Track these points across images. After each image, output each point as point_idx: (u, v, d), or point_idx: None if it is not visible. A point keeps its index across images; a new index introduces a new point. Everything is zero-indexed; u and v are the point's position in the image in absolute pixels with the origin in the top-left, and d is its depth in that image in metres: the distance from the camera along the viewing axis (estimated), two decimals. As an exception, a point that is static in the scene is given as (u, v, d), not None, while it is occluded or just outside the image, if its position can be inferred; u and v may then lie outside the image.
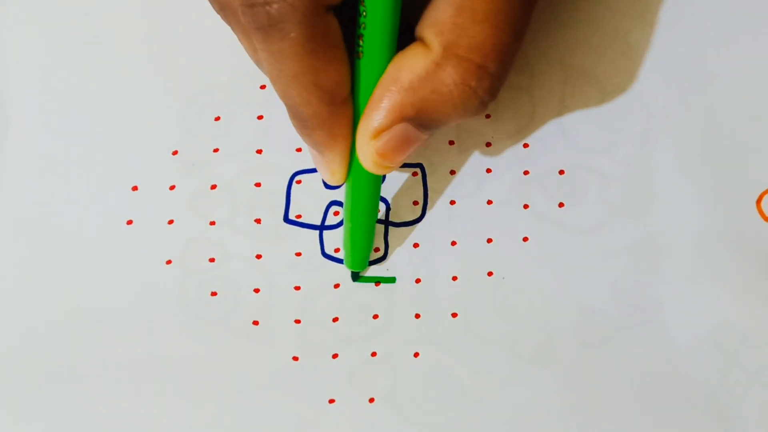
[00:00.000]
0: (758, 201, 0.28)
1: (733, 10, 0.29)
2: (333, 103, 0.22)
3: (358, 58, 0.22)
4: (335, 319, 0.27)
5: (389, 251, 0.28)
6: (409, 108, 0.22)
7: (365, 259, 0.27)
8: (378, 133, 0.22)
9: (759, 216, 0.28)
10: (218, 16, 0.29)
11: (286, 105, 0.23)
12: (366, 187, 0.25)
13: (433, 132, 0.23)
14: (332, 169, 0.24)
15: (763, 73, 0.29)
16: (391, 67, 0.22)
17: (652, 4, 0.30)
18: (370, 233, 0.26)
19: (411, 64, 0.22)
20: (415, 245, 0.28)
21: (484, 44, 0.21)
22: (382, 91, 0.22)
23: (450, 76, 0.21)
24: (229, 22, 0.24)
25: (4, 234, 0.28)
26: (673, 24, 0.29)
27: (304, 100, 0.22)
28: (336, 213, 0.28)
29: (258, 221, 0.28)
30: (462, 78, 0.21)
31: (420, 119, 0.22)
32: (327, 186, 0.28)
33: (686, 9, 0.30)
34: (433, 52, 0.21)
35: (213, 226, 0.28)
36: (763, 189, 0.28)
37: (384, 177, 0.26)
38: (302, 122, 0.23)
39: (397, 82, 0.22)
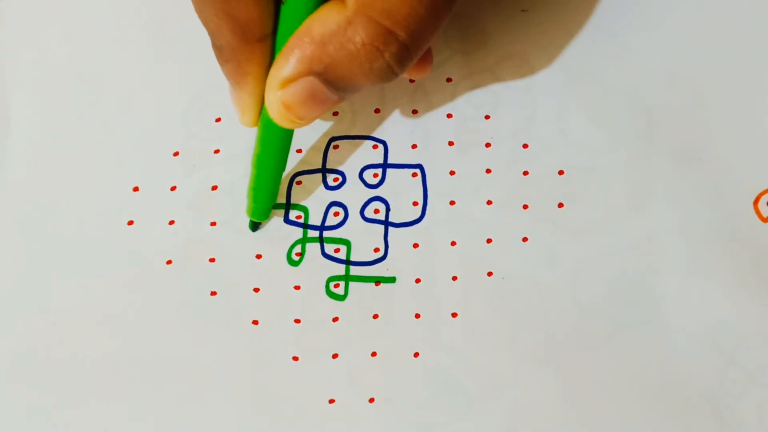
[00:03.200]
0: (755, 202, 0.28)
1: (732, 10, 0.30)
2: (246, 39, 0.22)
3: (282, 3, 0.22)
4: (335, 319, 0.27)
5: (389, 251, 0.28)
6: (317, 62, 0.22)
7: (267, 210, 0.27)
8: (285, 83, 0.22)
9: (756, 216, 0.28)
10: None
11: (206, 30, 0.23)
12: (274, 137, 0.25)
13: (344, 95, 0.23)
14: (242, 107, 0.24)
15: (762, 74, 0.29)
16: (308, 19, 0.22)
17: (652, 4, 0.30)
18: (274, 184, 0.26)
19: (325, 18, 0.22)
20: (415, 245, 0.28)
21: (398, 11, 0.21)
22: (294, 42, 0.22)
23: (358, 35, 0.21)
24: None
25: (5, 233, 0.28)
26: (673, 24, 0.30)
27: (217, 27, 0.23)
28: (336, 213, 0.28)
29: (258, 221, 0.28)
30: (370, 39, 0.21)
31: (328, 76, 0.22)
32: (327, 187, 0.28)
33: (686, 9, 0.30)
34: (347, 9, 0.21)
35: (214, 226, 0.28)
36: (760, 190, 0.28)
37: (293, 131, 0.26)
38: (218, 50, 0.24)
39: (309, 34, 0.22)
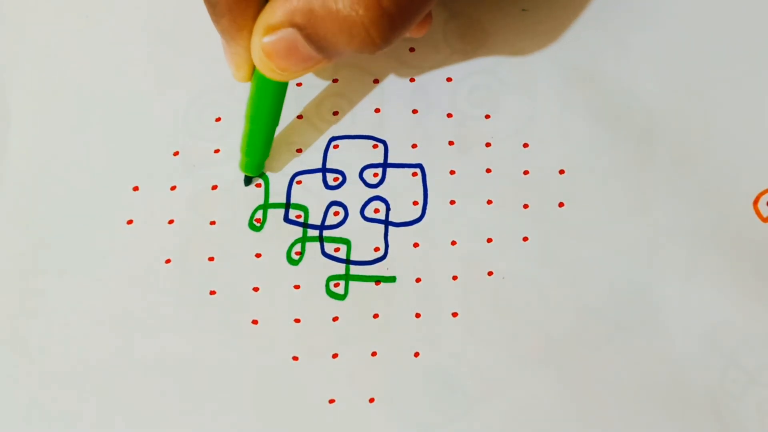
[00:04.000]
0: (755, 202, 0.28)
1: (732, 10, 0.30)
2: None
3: None
4: (335, 319, 0.27)
5: (389, 251, 0.28)
6: (299, 15, 0.22)
7: (260, 165, 0.27)
8: (267, 31, 0.22)
9: (756, 217, 0.28)
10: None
11: None
12: (267, 91, 0.25)
13: (328, 56, 0.23)
14: (236, 62, 0.24)
15: (761, 74, 0.29)
16: None
17: (653, 4, 0.30)
18: (267, 139, 0.27)
19: None
20: (416, 245, 0.28)
21: None
22: None
23: None
24: None
25: (4, 232, 0.28)
26: (673, 24, 0.30)
27: None
28: (336, 213, 0.28)
29: (258, 221, 0.28)
30: (350, 1, 0.21)
31: (308, 31, 0.22)
32: (327, 187, 0.28)
33: (686, 9, 0.30)
34: None
35: (213, 225, 0.28)
36: (760, 190, 0.28)
37: (285, 87, 0.26)
38: (212, 6, 0.23)
39: None
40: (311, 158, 0.29)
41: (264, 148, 0.27)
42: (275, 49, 0.23)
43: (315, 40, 0.22)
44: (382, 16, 0.21)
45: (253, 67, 0.24)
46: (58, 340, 0.27)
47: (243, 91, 0.29)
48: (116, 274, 0.27)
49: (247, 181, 0.28)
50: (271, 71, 0.23)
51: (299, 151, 0.29)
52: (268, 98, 0.25)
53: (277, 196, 0.28)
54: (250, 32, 0.23)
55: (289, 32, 0.22)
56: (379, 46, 0.22)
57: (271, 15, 0.22)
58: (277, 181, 0.28)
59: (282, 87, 0.25)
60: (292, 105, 0.29)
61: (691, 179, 0.28)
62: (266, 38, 0.23)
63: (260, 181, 0.28)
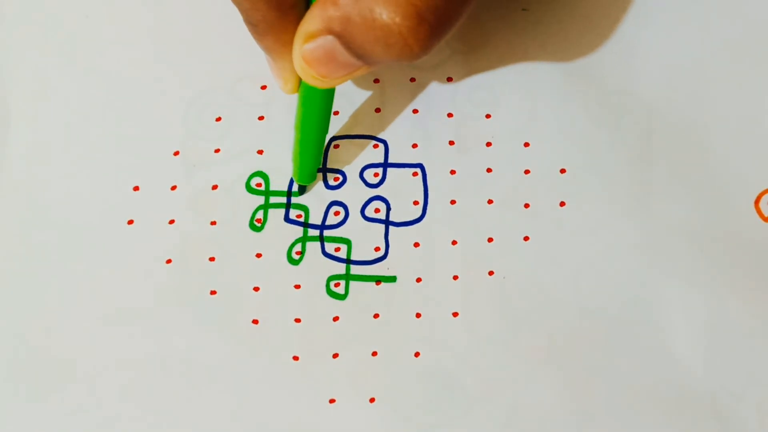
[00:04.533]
0: (756, 201, 0.28)
1: (732, 10, 0.30)
2: (281, 9, 0.23)
3: None
4: (335, 319, 0.27)
5: (390, 250, 0.28)
6: (336, 23, 0.22)
7: (313, 173, 0.28)
8: (307, 38, 0.22)
9: (757, 216, 0.28)
10: (219, 17, 0.30)
11: (239, 10, 0.24)
12: (314, 100, 0.25)
13: (368, 63, 0.23)
14: (284, 76, 0.25)
15: (762, 73, 0.29)
16: None
17: (653, 4, 0.30)
18: (318, 147, 0.27)
19: None
20: (416, 245, 0.28)
21: None
22: (319, 2, 0.22)
23: (378, 5, 0.21)
24: None
25: (5, 232, 0.28)
26: (673, 23, 0.30)
27: (252, 4, 0.23)
28: (337, 213, 0.28)
29: (258, 221, 0.28)
30: (387, 10, 0.21)
31: (346, 39, 0.22)
32: (328, 186, 0.28)
33: (686, 8, 0.30)
34: None
35: (214, 225, 0.28)
36: (761, 189, 0.28)
37: (332, 94, 0.26)
38: (254, 27, 0.24)
39: None
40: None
41: (316, 156, 0.27)
42: (314, 56, 0.23)
43: (353, 47, 0.22)
44: (420, 24, 0.21)
45: (299, 78, 0.24)
46: (58, 339, 0.27)
47: (243, 92, 0.29)
48: (116, 274, 0.27)
49: (302, 190, 0.28)
50: (312, 78, 0.23)
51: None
52: (315, 106, 0.25)
53: (278, 196, 0.28)
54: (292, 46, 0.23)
55: (327, 39, 0.22)
56: (418, 55, 0.22)
57: (310, 23, 0.22)
58: (278, 181, 0.28)
59: (328, 94, 0.25)
60: (292, 105, 0.29)
61: (692, 179, 0.28)
62: (306, 46, 0.23)
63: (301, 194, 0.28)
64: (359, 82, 0.29)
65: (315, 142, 0.26)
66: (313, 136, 0.26)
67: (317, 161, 0.27)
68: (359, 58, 0.23)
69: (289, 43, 0.23)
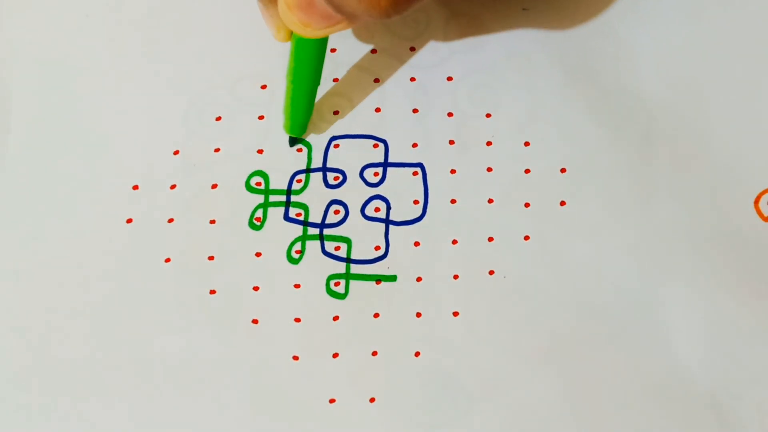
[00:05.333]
0: (756, 201, 0.28)
1: (733, 9, 0.30)
2: None
3: None
4: (335, 318, 0.27)
5: (390, 250, 0.28)
6: None
7: (303, 124, 0.28)
8: None
9: (757, 216, 0.28)
10: (219, 16, 0.30)
11: None
12: (305, 49, 0.25)
13: (346, 17, 0.23)
14: (275, 23, 0.26)
15: (762, 72, 0.29)
16: None
17: (653, 3, 0.30)
18: (310, 97, 0.27)
19: None
20: (416, 244, 0.28)
21: None
22: None
23: None
24: None
25: (4, 232, 0.27)
26: (673, 23, 0.30)
27: None
28: (337, 212, 0.28)
29: (258, 220, 0.28)
30: None
31: None
32: (327, 185, 0.28)
33: (687, 8, 0.30)
34: None
35: (213, 224, 0.28)
36: (761, 189, 0.28)
37: (324, 45, 0.26)
38: None
39: None
40: (312, 157, 0.29)
41: (308, 106, 0.27)
42: (295, 1, 0.23)
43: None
44: None
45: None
46: (58, 339, 0.26)
47: (244, 91, 0.29)
48: (115, 273, 0.27)
49: (292, 142, 0.28)
50: (294, 25, 0.24)
51: (300, 150, 0.28)
52: (306, 56, 0.26)
53: (277, 194, 0.28)
54: None
55: None
56: (387, 12, 0.22)
57: None
58: (277, 180, 0.28)
59: (319, 45, 0.26)
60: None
61: (692, 178, 0.28)
62: None
63: (302, 146, 0.28)
64: (359, 81, 0.29)
65: (306, 92, 0.27)
66: (304, 86, 0.27)
67: (308, 112, 0.27)
68: (336, 9, 0.23)
69: None
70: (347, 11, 0.23)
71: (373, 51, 0.30)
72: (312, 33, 0.24)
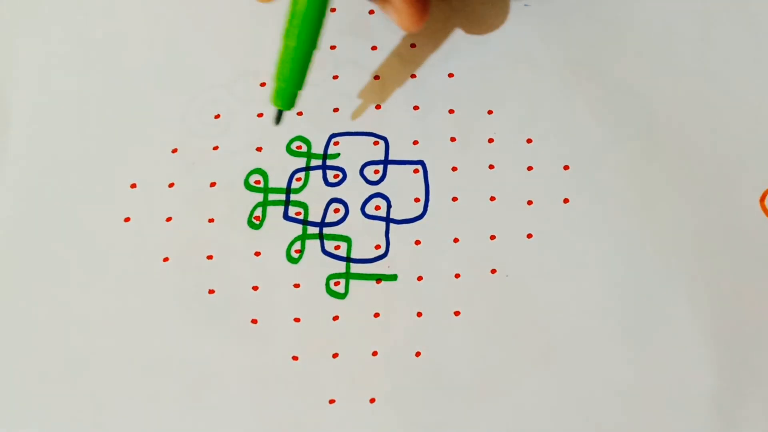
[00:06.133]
0: (762, 199, 0.28)
1: (734, 9, 0.30)
2: None
3: None
4: (335, 318, 0.27)
5: (390, 248, 0.27)
6: None
7: (293, 95, 0.25)
8: None
9: (763, 214, 0.28)
10: (218, 15, 0.30)
11: None
12: (307, 8, 0.24)
13: None
14: None
15: (764, 72, 0.29)
16: None
17: (654, 4, 0.30)
18: (304, 62, 0.25)
19: None
20: (417, 242, 0.27)
21: None
22: None
23: None
24: None
25: (4, 231, 0.27)
26: (674, 24, 0.30)
27: None
28: (336, 210, 0.28)
29: (257, 218, 0.27)
30: None
31: None
32: (327, 184, 0.28)
33: (687, 9, 0.30)
34: None
35: (212, 223, 0.27)
36: (767, 187, 0.28)
37: (325, 6, 0.25)
38: None
39: None
40: (311, 155, 0.28)
41: (299, 73, 0.25)
42: None
43: None
44: None
45: None
46: (57, 338, 0.26)
47: (242, 89, 0.29)
48: (114, 272, 0.27)
49: (278, 118, 0.26)
50: None
51: (299, 147, 0.28)
52: (307, 10, 0.24)
53: (277, 193, 0.28)
54: None
55: None
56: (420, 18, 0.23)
57: None
58: (277, 177, 0.28)
59: (320, 4, 0.24)
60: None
61: (696, 175, 0.28)
62: None
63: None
64: (359, 79, 0.29)
65: (301, 54, 0.25)
66: (300, 47, 0.24)
67: (300, 80, 0.25)
68: None
69: None
70: None
71: (374, 48, 0.29)
72: None
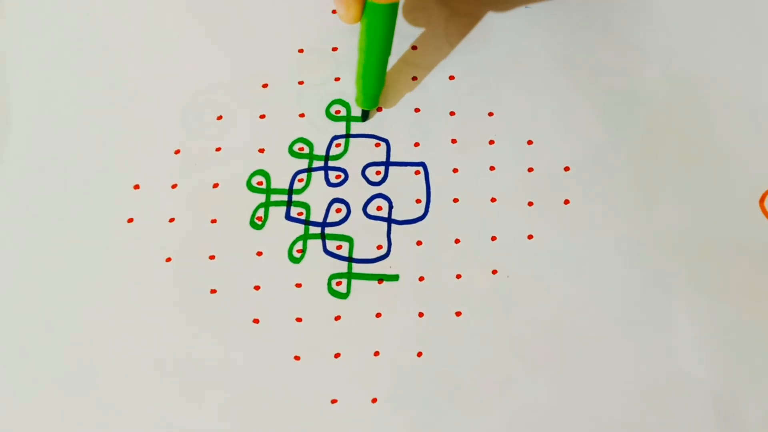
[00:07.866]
0: (761, 200, 0.28)
1: (734, 9, 0.30)
2: None
3: None
4: (337, 318, 0.27)
5: (392, 249, 0.27)
6: None
7: (376, 96, 0.28)
8: None
9: (762, 215, 0.28)
10: (219, 16, 0.30)
11: None
12: (380, 16, 0.25)
13: None
14: (346, 2, 0.26)
15: (764, 72, 0.29)
16: None
17: (655, 2, 0.30)
18: (382, 68, 0.27)
19: None
20: (418, 243, 0.27)
21: None
22: None
23: None
24: None
25: (5, 231, 0.27)
26: (676, 22, 0.30)
27: None
28: (338, 210, 0.28)
29: (259, 219, 0.28)
30: None
31: None
32: (329, 184, 0.28)
33: (689, 7, 0.30)
34: None
35: (214, 224, 0.28)
36: (766, 188, 0.28)
37: (395, 14, 0.26)
38: None
39: None
40: (313, 156, 0.28)
41: (380, 78, 0.27)
42: None
43: None
44: None
45: (362, 5, 0.25)
46: (58, 338, 0.26)
47: (244, 90, 0.29)
48: (116, 273, 0.27)
49: (365, 115, 0.29)
50: None
51: (301, 149, 0.28)
52: (379, 23, 0.26)
53: (279, 194, 0.28)
54: None
55: None
56: None
57: None
58: (279, 178, 0.28)
59: (390, 11, 0.25)
60: (294, 103, 0.29)
61: (696, 177, 0.28)
62: None
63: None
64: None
65: (378, 61, 0.27)
66: (376, 56, 0.27)
67: (380, 84, 0.28)
68: None
69: None
70: None
71: (375, 50, 0.30)
72: None
